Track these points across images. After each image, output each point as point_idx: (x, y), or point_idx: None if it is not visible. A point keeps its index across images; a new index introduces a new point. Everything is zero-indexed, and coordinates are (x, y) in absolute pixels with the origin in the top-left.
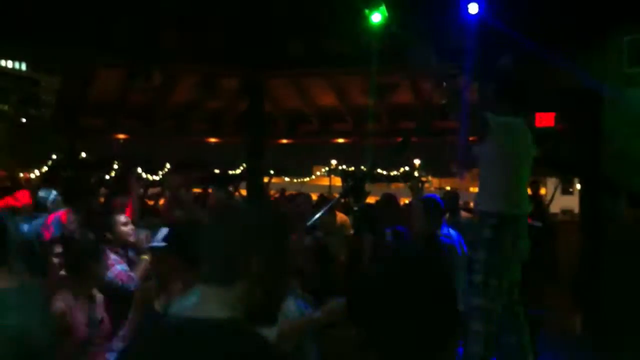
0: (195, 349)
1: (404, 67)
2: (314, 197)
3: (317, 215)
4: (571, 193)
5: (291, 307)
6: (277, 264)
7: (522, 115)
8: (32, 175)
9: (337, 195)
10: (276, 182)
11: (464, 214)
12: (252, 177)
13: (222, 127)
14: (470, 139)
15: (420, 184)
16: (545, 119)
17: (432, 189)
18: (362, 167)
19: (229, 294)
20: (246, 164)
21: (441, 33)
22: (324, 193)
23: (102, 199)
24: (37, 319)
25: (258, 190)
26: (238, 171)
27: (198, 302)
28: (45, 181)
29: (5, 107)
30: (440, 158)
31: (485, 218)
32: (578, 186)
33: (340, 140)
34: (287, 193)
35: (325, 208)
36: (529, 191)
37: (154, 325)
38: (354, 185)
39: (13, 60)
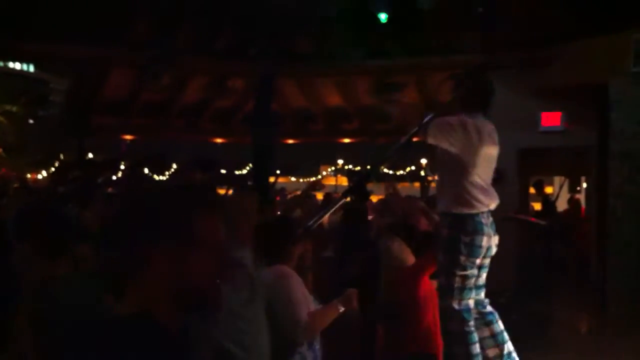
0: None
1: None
2: (319, 196)
3: (321, 215)
4: (578, 191)
5: None
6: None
7: (486, 115)
8: (40, 176)
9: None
10: (283, 181)
11: None
12: (259, 177)
13: (229, 127)
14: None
15: (426, 183)
16: (551, 119)
17: None
18: (368, 167)
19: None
20: (253, 164)
21: None
22: (330, 192)
23: None
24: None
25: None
26: (244, 171)
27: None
28: (53, 182)
29: (14, 108)
30: None
31: (443, 218)
32: (584, 184)
33: (347, 140)
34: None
35: (328, 208)
36: (532, 190)
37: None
38: (356, 185)
39: (21, 61)
